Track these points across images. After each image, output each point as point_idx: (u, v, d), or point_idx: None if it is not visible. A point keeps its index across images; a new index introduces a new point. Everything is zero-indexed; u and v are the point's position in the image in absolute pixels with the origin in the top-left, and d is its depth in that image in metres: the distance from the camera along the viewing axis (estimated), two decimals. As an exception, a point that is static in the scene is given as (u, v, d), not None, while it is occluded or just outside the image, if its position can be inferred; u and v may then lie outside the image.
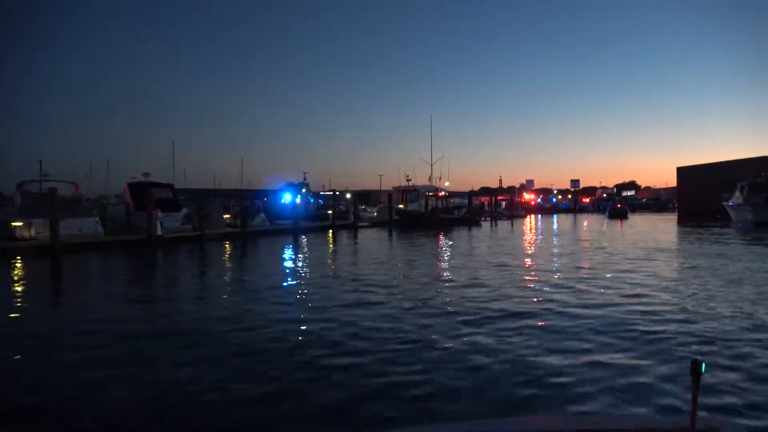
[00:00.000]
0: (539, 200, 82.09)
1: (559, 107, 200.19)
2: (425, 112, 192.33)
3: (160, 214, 23.45)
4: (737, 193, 38.92)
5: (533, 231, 34.97)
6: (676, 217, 56.00)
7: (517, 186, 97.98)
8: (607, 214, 54.11)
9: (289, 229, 31.51)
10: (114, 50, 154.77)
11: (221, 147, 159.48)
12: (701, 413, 1.77)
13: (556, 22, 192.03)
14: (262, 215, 33.15)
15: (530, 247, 22.27)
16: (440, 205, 43.85)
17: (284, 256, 19.62)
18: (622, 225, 40.34)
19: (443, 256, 18.34)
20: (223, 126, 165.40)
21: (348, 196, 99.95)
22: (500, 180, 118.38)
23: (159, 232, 22.93)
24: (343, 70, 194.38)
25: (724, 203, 40.70)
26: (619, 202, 59.42)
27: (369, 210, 52.46)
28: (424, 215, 40.87)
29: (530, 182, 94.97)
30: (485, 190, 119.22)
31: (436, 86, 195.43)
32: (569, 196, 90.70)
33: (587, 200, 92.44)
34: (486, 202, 62.47)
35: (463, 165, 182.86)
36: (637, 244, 22.21)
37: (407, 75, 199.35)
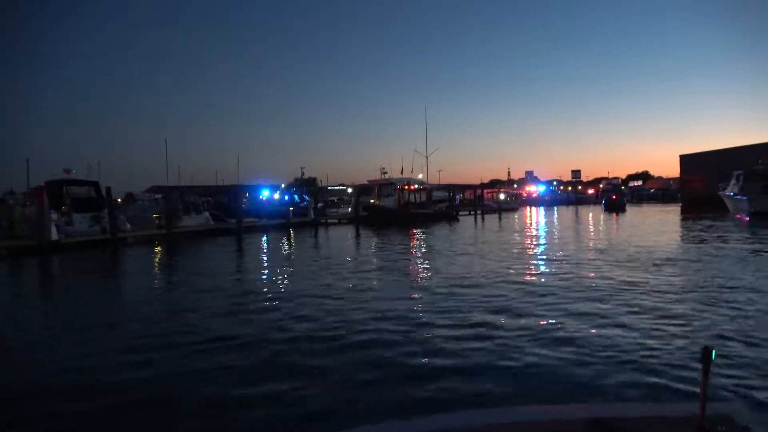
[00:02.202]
0: (540, 192, 78.37)
1: (567, 97, 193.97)
2: (426, 103, 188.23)
3: (54, 215, 20.94)
4: (733, 182, 35.37)
5: (510, 228, 31.81)
6: (679, 207, 52.58)
7: (523, 177, 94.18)
8: (602, 206, 50.33)
9: (232, 228, 28.82)
10: (110, 49, 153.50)
11: (224, 144, 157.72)
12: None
13: (561, 11, 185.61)
14: (206, 214, 30.52)
15: (478, 252, 19.18)
16: (413, 199, 40.66)
17: (184, 265, 16.92)
18: (614, 219, 36.99)
19: (373, 268, 15.26)
20: (224, 122, 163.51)
21: (350, 190, 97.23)
22: (508, 172, 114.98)
23: (55, 236, 20.36)
24: (343, 63, 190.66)
25: (720, 193, 37.19)
26: (616, 193, 55.24)
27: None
28: (394, 211, 37.85)
29: (530, 173, 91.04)
30: (495, 182, 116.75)
31: (437, 78, 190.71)
32: (570, 188, 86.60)
33: (592, 191, 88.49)
34: (480, 194, 59.05)
35: (471, 158, 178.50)
36: (602, 245, 19.11)
37: (407, 67, 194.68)
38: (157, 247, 22.79)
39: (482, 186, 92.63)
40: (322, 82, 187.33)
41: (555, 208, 62.04)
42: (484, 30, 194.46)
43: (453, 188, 71.62)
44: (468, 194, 64.85)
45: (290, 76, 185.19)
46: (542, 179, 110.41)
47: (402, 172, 42.63)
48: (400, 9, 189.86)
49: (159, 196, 43.41)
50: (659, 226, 27.62)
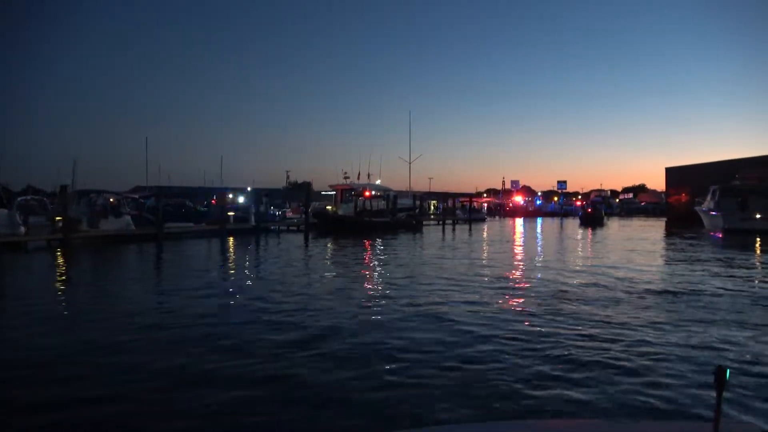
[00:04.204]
0: (523, 203, 76.19)
1: (565, 108, 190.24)
2: (419, 110, 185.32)
3: None
4: (709, 197, 32.81)
5: (463, 241, 29.20)
6: (664, 222, 49.97)
7: (508, 188, 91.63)
8: (579, 220, 47.28)
9: (150, 235, 26.10)
10: (101, 51, 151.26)
11: (215, 146, 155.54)
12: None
13: (558, 22, 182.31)
14: (127, 218, 27.81)
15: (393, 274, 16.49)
16: (371, 206, 37.87)
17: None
18: (585, 234, 34.27)
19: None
20: (221, 125, 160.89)
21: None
22: (503, 181, 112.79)
23: None
24: (332, 67, 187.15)
25: (696, 208, 34.62)
26: (592, 206, 52.30)
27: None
28: (345, 219, 35.13)
29: (516, 183, 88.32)
30: (490, 191, 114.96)
31: (434, 84, 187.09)
32: (556, 198, 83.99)
33: (581, 203, 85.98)
34: (453, 203, 56.46)
35: (470, 167, 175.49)
36: (527, 268, 16.40)
37: (402, 72, 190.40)
38: (57, 252, 20.25)
39: (475, 195, 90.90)
40: (317, 84, 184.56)
41: (539, 220, 59.77)
42: (495, 41, 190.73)
43: (438, 196, 69.43)
44: (451, 203, 62.32)
45: (285, 79, 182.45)
46: (537, 189, 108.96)
47: (359, 177, 39.77)
48: (393, 16, 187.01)
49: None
50: (623, 244, 24.87)
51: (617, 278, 12.87)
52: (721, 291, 10.93)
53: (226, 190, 50.65)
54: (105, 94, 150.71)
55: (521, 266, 16.05)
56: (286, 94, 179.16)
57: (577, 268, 15.43)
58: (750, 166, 40.80)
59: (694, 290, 11.01)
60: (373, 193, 38.70)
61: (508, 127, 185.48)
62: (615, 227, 42.37)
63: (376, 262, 17.47)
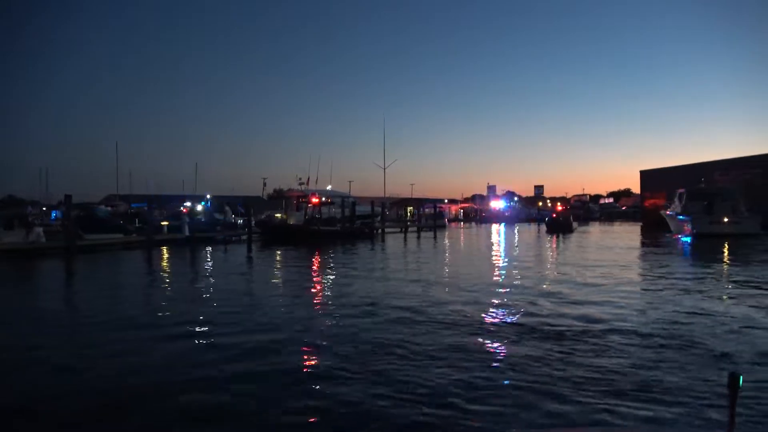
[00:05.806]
0: (501, 208, 74.25)
1: (550, 114, 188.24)
2: (397, 115, 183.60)
3: None
4: (675, 201, 30.91)
5: (403, 253, 27.10)
6: (639, 227, 48.07)
7: (505, 193, 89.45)
8: (545, 227, 44.75)
9: (61, 248, 23.70)
10: (87, 57, 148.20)
11: (201, 154, 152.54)
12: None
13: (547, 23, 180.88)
14: (39, 230, 25.44)
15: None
16: (320, 214, 35.46)
17: None
18: (547, 241, 32.20)
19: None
20: (194, 132, 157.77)
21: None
22: (488, 187, 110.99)
23: None
24: (315, 74, 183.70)
25: (662, 212, 32.70)
26: (559, 211, 49.80)
27: None
28: (291, 228, 32.80)
29: (492, 188, 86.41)
30: (476, 197, 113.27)
31: (413, 91, 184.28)
32: (540, 203, 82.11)
33: (561, 208, 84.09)
34: (418, 210, 54.22)
35: (453, 172, 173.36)
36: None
37: (378, 80, 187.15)
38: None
39: (441, 200, 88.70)
40: (302, 91, 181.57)
41: (516, 226, 58.13)
42: (480, 43, 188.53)
43: (415, 202, 67.10)
44: (427, 209, 60.29)
45: (268, 87, 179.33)
46: (523, 195, 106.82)
47: (308, 182, 37.41)
48: (377, 21, 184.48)
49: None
50: (577, 254, 22.73)
51: (529, 301, 10.59)
52: (626, 329, 8.43)
53: (184, 197, 48.23)
54: (90, 103, 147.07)
55: (430, 280, 13.72)
56: (268, 102, 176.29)
57: (495, 285, 13.14)
58: (723, 168, 39.12)
59: (607, 329, 8.61)
60: (323, 199, 36.41)
61: (494, 133, 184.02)
62: (584, 234, 40.33)
63: (282, 286, 15.12)
